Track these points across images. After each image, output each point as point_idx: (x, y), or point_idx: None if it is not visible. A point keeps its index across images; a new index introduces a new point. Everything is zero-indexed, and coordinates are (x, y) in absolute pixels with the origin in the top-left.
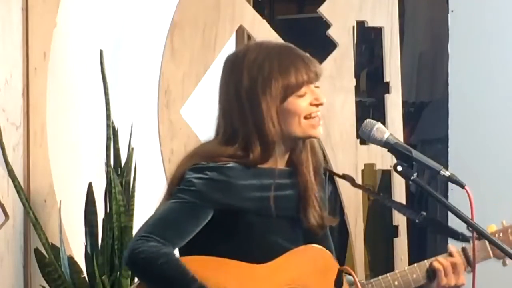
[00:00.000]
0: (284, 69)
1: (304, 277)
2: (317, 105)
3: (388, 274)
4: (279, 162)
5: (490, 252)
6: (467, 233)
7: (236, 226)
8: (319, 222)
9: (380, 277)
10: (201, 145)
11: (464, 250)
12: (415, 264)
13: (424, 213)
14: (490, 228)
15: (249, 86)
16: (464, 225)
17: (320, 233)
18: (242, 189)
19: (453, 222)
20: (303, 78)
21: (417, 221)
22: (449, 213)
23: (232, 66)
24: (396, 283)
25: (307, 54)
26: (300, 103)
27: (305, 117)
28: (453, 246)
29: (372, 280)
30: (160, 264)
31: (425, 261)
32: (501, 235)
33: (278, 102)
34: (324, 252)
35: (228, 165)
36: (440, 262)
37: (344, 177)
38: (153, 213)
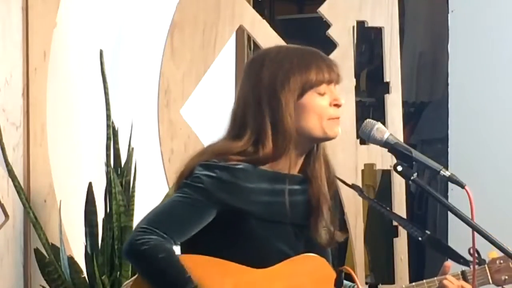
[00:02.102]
0: (305, 66)
1: (300, 286)
2: (336, 106)
3: None
4: (291, 168)
5: (489, 278)
6: (468, 256)
7: (239, 229)
8: (328, 237)
9: None
10: (211, 143)
11: (463, 273)
12: (414, 283)
13: (429, 232)
14: (492, 254)
15: (269, 81)
16: (465, 227)
17: (327, 248)
18: (249, 192)
19: (454, 222)
20: (323, 76)
21: (420, 239)
22: (449, 214)
23: (253, 64)
24: None
25: (330, 58)
26: (319, 101)
27: (327, 118)
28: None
29: None
30: (160, 258)
31: (424, 281)
32: (501, 262)
33: (296, 96)
34: (322, 261)
35: (239, 166)
36: None
37: (353, 187)
38: (157, 206)
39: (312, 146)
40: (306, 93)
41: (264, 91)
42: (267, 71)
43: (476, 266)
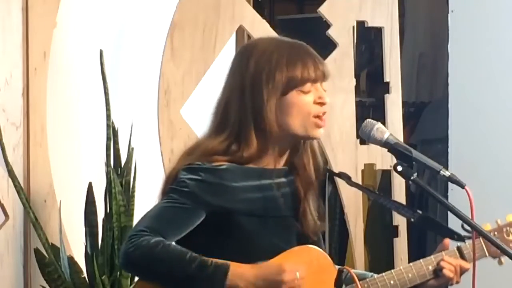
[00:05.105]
0: (292, 63)
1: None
2: (320, 104)
3: (383, 274)
4: (276, 162)
5: (486, 251)
6: (462, 232)
7: (229, 228)
8: (314, 227)
9: (375, 276)
10: (196, 142)
11: (459, 249)
12: (411, 264)
13: (420, 212)
14: (485, 227)
15: (254, 75)
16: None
17: (313, 238)
18: (235, 191)
19: (453, 222)
20: (309, 74)
21: (412, 220)
22: (449, 213)
23: (241, 56)
24: (392, 282)
25: (317, 55)
26: (303, 99)
27: (311, 116)
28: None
29: (367, 279)
30: (157, 254)
31: (420, 260)
32: (496, 234)
33: (279, 93)
34: (319, 252)
35: (222, 167)
36: (449, 270)
37: (340, 175)
38: (146, 213)
39: (297, 142)
40: (290, 91)
41: (248, 83)
42: (254, 63)
43: (471, 241)
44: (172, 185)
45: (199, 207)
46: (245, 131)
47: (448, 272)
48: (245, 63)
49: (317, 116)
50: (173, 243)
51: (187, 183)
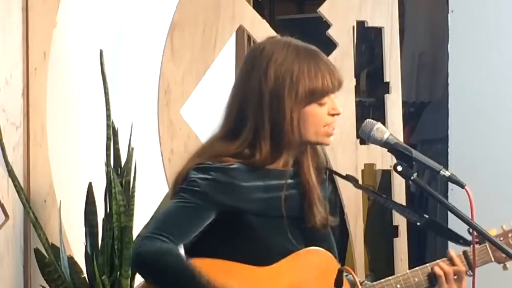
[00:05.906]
0: (313, 74)
1: (306, 280)
2: (333, 115)
3: (390, 277)
4: (285, 165)
5: (491, 256)
6: (468, 236)
7: (239, 227)
8: (323, 222)
9: (382, 280)
10: (206, 143)
11: (465, 253)
12: (417, 268)
13: (427, 216)
14: (490, 232)
15: (275, 85)
16: (465, 226)
17: (322, 232)
18: (245, 190)
19: (453, 222)
20: (328, 85)
21: (418, 224)
22: (449, 214)
23: (257, 61)
24: (398, 286)
25: (331, 62)
26: (319, 111)
27: (324, 126)
28: (453, 251)
29: (374, 283)
30: (167, 261)
31: (427, 264)
32: (501, 239)
33: (302, 106)
34: (327, 255)
35: (233, 166)
36: (441, 267)
37: (347, 178)
38: (156, 213)
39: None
40: (310, 103)
41: (267, 92)
42: (273, 72)
43: (477, 246)
44: (183, 185)
45: (210, 206)
46: (261, 139)
47: (439, 270)
48: (263, 71)
49: (327, 125)
50: (183, 252)
51: (198, 182)
